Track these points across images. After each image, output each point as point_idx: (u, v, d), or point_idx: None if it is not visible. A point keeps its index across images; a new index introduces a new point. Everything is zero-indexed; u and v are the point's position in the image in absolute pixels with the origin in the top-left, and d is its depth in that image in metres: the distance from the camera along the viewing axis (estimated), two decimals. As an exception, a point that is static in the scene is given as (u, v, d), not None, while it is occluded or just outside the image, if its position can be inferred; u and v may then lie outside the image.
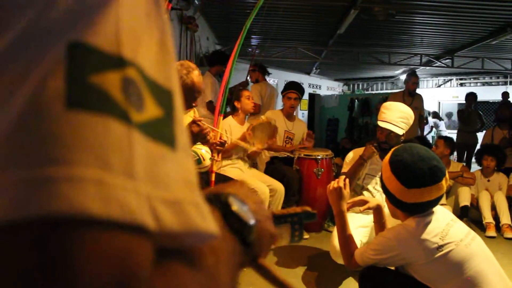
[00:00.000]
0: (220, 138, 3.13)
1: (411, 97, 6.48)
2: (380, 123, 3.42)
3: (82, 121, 0.25)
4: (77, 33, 0.27)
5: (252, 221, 0.49)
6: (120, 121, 0.26)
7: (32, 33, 0.27)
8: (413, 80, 6.56)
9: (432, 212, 1.91)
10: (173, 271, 0.32)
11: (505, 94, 8.44)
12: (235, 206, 0.48)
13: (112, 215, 0.24)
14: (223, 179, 3.74)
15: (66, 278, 0.23)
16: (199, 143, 2.63)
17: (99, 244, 0.24)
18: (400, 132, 3.37)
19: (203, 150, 2.78)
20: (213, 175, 3.16)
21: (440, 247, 1.80)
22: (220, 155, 3.27)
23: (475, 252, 1.82)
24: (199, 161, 2.72)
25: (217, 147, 3.08)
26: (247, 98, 4.25)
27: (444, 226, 1.86)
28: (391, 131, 3.36)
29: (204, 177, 3.12)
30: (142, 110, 0.28)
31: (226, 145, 4.02)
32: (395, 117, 3.38)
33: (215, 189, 0.53)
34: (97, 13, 0.27)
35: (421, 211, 1.90)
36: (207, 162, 2.87)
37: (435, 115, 12.08)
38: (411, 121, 3.42)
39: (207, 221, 0.31)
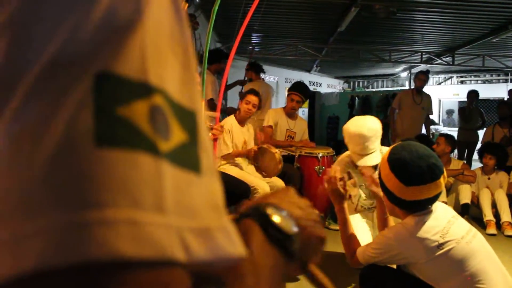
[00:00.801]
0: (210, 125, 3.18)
1: (420, 95, 6.49)
2: (362, 162, 3.07)
3: (112, 159, 0.25)
4: (104, 61, 0.26)
5: (293, 231, 0.48)
6: (149, 154, 0.26)
7: (60, 62, 0.26)
8: (419, 76, 6.57)
9: (431, 210, 1.92)
10: None
11: (511, 92, 8.43)
12: (275, 217, 0.47)
13: (145, 255, 0.24)
14: (224, 177, 3.74)
15: None
16: None
17: (136, 284, 0.25)
18: (379, 158, 3.02)
19: None
20: None
21: (440, 245, 1.80)
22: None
23: (476, 250, 1.83)
24: None
25: None
26: (246, 102, 4.20)
27: (444, 224, 1.87)
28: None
29: None
30: (168, 137, 0.28)
31: (231, 150, 4.04)
32: (372, 143, 3.07)
33: (256, 201, 0.52)
34: (122, 39, 0.27)
35: (420, 208, 1.90)
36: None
37: (432, 123, 11.96)
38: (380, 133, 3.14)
39: (235, 245, 0.32)
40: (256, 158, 4.14)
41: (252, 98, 4.22)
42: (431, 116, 6.86)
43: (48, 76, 0.26)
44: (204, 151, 0.32)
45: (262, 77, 6.79)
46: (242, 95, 4.29)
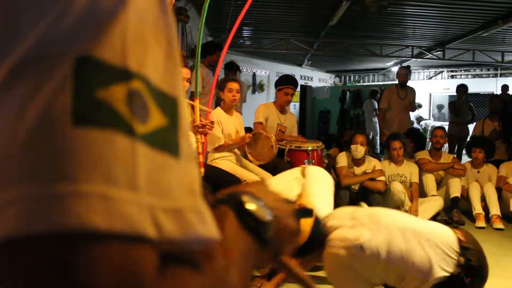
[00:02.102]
0: (201, 120, 3.20)
1: (404, 90, 6.59)
2: None
3: (88, 137, 0.26)
4: (85, 46, 0.28)
5: (267, 218, 0.49)
6: (125, 134, 0.28)
7: (43, 46, 0.27)
8: (401, 72, 6.75)
9: None
10: (177, 276, 0.33)
11: (504, 88, 8.47)
12: (249, 204, 0.48)
13: (115, 228, 0.26)
14: (215, 171, 3.74)
15: None
16: None
17: (105, 256, 0.26)
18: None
19: None
20: (201, 157, 3.26)
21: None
22: (203, 136, 3.35)
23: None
24: None
25: (199, 129, 3.21)
26: (229, 90, 4.19)
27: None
28: None
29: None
30: (147, 120, 0.30)
31: (223, 141, 4.04)
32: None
33: (230, 189, 0.53)
34: (104, 26, 0.28)
35: None
36: (193, 145, 2.97)
37: (420, 120, 12.02)
38: None
39: (208, 227, 0.33)
40: (249, 145, 4.16)
41: (233, 85, 4.23)
42: (419, 110, 6.95)
43: (31, 60, 0.27)
44: (183, 137, 0.33)
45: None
46: (221, 85, 4.29)
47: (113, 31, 0.28)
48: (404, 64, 11.15)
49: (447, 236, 1.95)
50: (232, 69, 6.63)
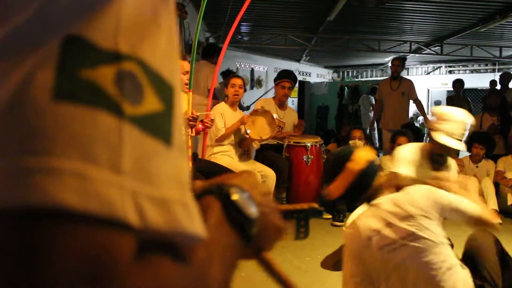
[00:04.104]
0: (192, 114, 3.20)
1: (397, 81, 6.57)
2: (438, 137, 2.68)
3: (68, 113, 0.25)
4: (77, 27, 0.26)
5: (254, 214, 0.47)
6: (111, 114, 0.26)
7: (34, 24, 0.26)
8: (393, 62, 6.72)
9: None
10: (155, 267, 0.30)
11: (492, 83, 8.48)
12: (237, 198, 0.46)
13: (90, 209, 0.24)
14: (214, 166, 3.75)
15: (41, 269, 0.23)
16: None
17: (75, 237, 0.24)
18: (462, 147, 2.77)
19: None
20: (190, 150, 3.27)
21: None
22: (193, 130, 3.36)
23: None
24: None
25: (190, 122, 3.22)
26: (232, 86, 4.27)
27: None
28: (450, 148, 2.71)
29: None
30: (140, 103, 0.28)
31: (221, 131, 4.06)
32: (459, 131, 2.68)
33: (219, 179, 0.51)
34: (100, 7, 0.27)
35: None
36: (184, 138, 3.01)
37: (418, 115, 12.05)
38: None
39: (194, 222, 0.31)
40: (250, 126, 4.22)
41: (236, 81, 4.29)
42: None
43: (23, 34, 0.26)
44: (177, 126, 0.31)
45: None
46: (225, 81, 4.35)
47: (107, 14, 0.27)
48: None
49: None
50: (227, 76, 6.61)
